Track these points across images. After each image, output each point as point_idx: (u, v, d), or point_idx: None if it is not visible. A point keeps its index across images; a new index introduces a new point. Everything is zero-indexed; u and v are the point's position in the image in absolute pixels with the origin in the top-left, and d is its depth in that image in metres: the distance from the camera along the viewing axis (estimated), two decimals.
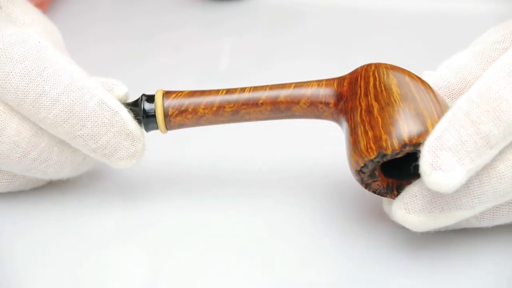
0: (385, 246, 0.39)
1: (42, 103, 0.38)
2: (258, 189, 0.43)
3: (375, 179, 0.37)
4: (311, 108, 0.39)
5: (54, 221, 0.41)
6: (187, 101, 0.39)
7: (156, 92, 0.40)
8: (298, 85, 0.39)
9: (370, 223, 0.40)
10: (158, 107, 0.39)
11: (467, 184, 0.35)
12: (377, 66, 0.38)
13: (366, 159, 0.35)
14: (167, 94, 0.40)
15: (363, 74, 0.38)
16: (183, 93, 0.40)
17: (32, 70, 0.38)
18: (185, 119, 0.40)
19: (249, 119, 0.40)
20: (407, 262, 0.38)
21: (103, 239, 0.40)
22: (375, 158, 0.35)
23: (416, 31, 0.62)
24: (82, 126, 0.38)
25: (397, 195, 0.37)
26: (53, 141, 0.40)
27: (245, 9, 0.66)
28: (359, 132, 0.36)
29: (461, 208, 0.35)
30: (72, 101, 0.38)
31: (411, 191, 0.35)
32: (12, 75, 0.38)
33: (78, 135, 0.38)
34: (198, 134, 0.44)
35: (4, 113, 0.39)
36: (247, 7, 0.66)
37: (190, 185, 0.44)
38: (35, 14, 0.43)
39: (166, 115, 0.39)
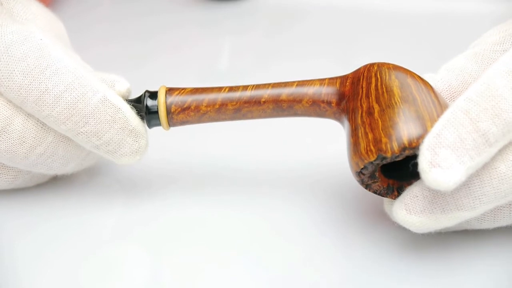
0: (386, 246, 0.39)
1: (45, 100, 0.38)
2: (259, 187, 0.43)
3: (375, 180, 0.36)
4: (313, 107, 0.39)
5: (56, 218, 0.41)
6: (189, 99, 0.39)
7: (159, 89, 0.40)
8: (301, 83, 0.39)
9: (371, 223, 0.40)
10: (160, 103, 0.39)
11: (468, 185, 0.35)
12: (380, 66, 0.38)
13: (365, 161, 0.35)
14: (170, 91, 0.40)
15: (365, 75, 0.38)
16: (186, 90, 0.40)
17: (35, 68, 0.38)
18: (188, 117, 0.40)
19: (251, 117, 0.40)
20: (408, 263, 0.38)
21: (104, 236, 0.40)
22: (374, 160, 0.35)
23: (417, 31, 0.62)
24: (85, 123, 0.38)
25: (397, 196, 0.37)
26: (59, 135, 0.40)
27: (245, 9, 0.66)
28: (360, 134, 0.36)
29: (462, 209, 0.35)
30: (75, 98, 0.38)
31: (412, 192, 0.35)
32: (15, 73, 0.38)
33: (81, 132, 0.38)
34: (200, 132, 0.44)
35: (10, 109, 0.39)
36: (247, 7, 0.66)
37: (191, 183, 0.44)
38: (37, 8, 0.43)
39: (168, 112, 0.40)
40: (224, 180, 0.44)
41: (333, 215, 0.41)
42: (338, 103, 0.38)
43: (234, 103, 0.39)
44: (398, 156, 0.34)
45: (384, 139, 0.35)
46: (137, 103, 0.40)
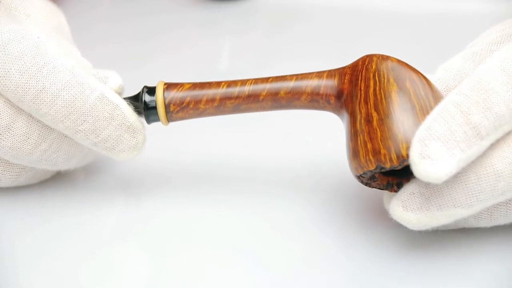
0: (386, 245, 0.39)
1: (42, 99, 0.38)
2: (259, 186, 0.43)
3: (375, 180, 0.37)
4: (312, 103, 0.39)
5: (56, 218, 0.41)
6: (188, 97, 0.39)
7: (157, 84, 0.40)
8: (299, 77, 0.39)
9: (371, 222, 0.40)
10: (159, 99, 0.40)
11: (465, 182, 0.34)
12: (378, 63, 0.38)
13: (365, 169, 0.35)
14: (168, 87, 0.40)
15: (363, 74, 0.38)
16: (185, 87, 0.40)
17: (31, 66, 0.38)
18: (187, 114, 0.40)
19: (250, 112, 0.40)
20: (408, 262, 0.38)
21: (104, 235, 0.40)
22: (374, 169, 0.35)
23: (417, 31, 0.62)
24: (83, 121, 0.38)
25: (397, 191, 0.37)
26: None
27: (245, 9, 0.66)
28: (359, 141, 0.36)
29: (458, 206, 0.35)
30: (73, 96, 0.38)
31: (408, 189, 0.35)
32: (12, 72, 0.38)
33: (80, 130, 0.38)
34: (200, 130, 0.44)
35: (13, 107, 0.39)
36: (247, 7, 0.66)
37: (191, 182, 0.44)
38: (36, 0, 0.43)
39: (167, 110, 0.40)
40: (224, 178, 0.44)
41: (333, 214, 0.41)
42: (337, 99, 0.38)
43: (233, 100, 0.39)
44: (397, 167, 0.35)
45: (383, 151, 0.35)
46: (135, 99, 0.40)
